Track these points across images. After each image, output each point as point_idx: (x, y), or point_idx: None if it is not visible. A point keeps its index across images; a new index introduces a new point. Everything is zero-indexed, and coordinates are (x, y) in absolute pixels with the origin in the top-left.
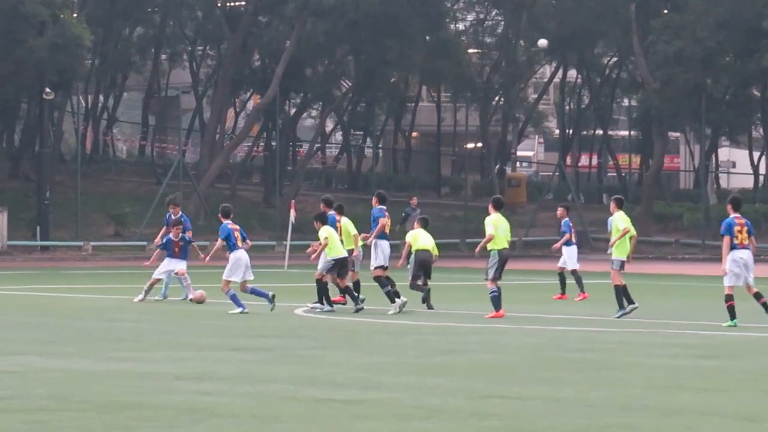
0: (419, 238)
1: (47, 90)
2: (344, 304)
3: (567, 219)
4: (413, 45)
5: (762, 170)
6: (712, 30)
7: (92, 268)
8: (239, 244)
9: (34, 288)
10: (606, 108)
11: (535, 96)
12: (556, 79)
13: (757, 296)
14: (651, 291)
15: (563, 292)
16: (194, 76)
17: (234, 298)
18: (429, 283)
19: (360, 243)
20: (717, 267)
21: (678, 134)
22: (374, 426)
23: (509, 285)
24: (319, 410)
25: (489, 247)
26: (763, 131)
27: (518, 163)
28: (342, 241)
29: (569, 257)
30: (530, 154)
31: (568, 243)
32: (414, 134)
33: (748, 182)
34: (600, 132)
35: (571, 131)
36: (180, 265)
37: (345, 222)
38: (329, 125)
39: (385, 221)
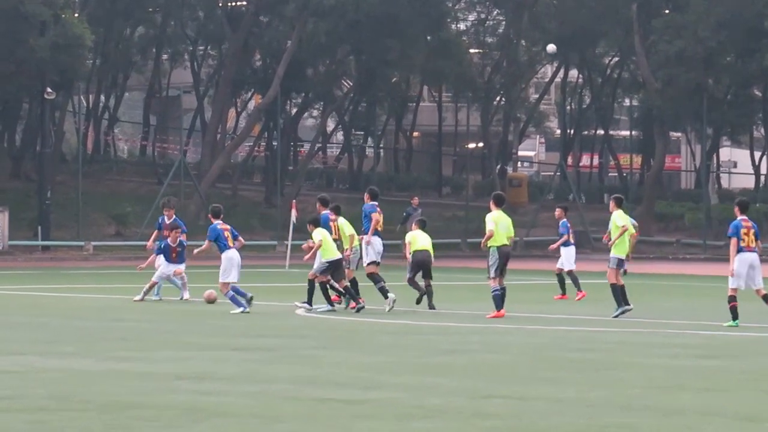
0: (418, 239)
1: (48, 90)
2: (340, 303)
3: (565, 220)
4: (414, 45)
5: (763, 170)
6: (714, 30)
7: (93, 268)
8: (230, 243)
9: (35, 288)
10: (607, 108)
11: (537, 96)
12: (558, 79)
13: (766, 299)
14: (652, 291)
15: (563, 293)
16: (195, 75)
17: (234, 299)
18: (431, 283)
19: (356, 242)
20: (718, 267)
21: (679, 134)
22: (375, 426)
23: (509, 285)
24: (320, 410)
25: (489, 244)
26: (764, 131)
27: (519, 163)
28: (341, 240)
29: (567, 258)
30: (531, 154)
31: (566, 244)
32: (415, 134)
33: (750, 182)
34: (601, 132)
35: (572, 131)
36: (179, 266)
37: (342, 222)
38: (330, 125)
39: (378, 217)
